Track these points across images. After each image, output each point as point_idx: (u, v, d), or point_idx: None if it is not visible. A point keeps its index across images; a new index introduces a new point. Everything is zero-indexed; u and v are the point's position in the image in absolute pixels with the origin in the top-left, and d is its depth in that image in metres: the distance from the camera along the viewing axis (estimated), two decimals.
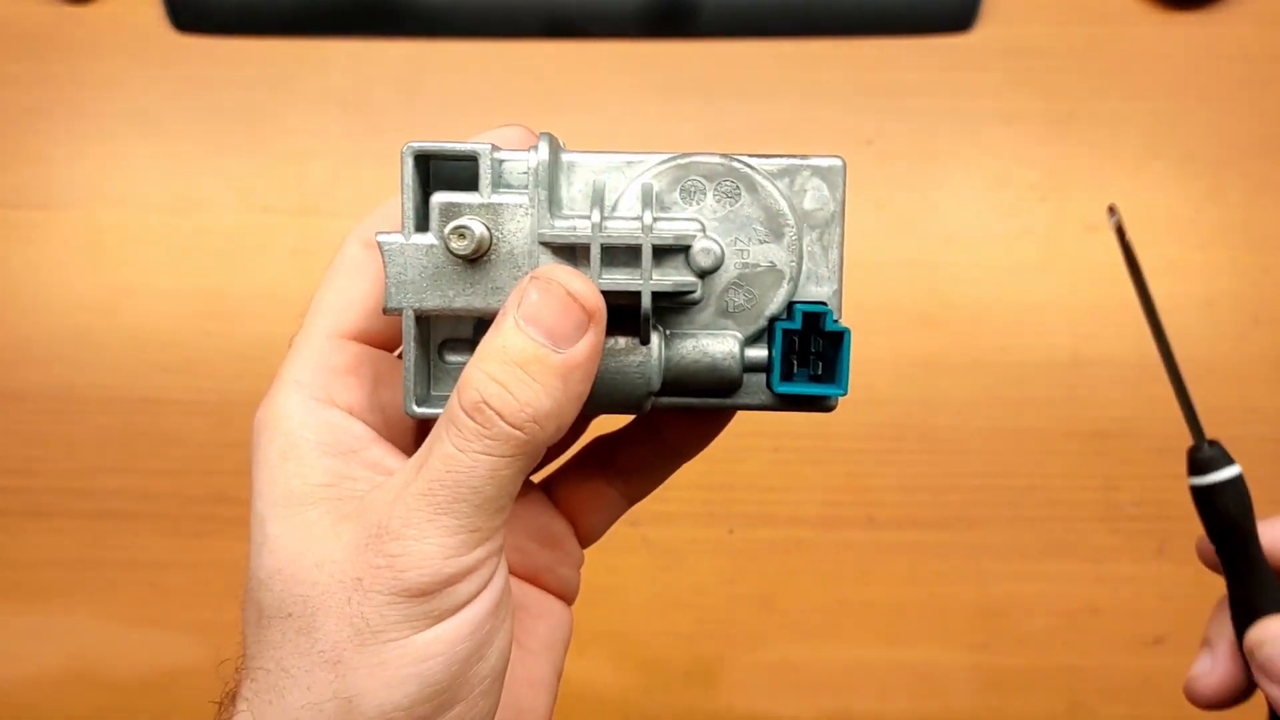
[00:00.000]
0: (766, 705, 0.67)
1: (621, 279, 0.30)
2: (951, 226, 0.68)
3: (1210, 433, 0.40)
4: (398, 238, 0.30)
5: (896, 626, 0.66)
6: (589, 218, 0.30)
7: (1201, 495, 0.40)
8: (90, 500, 0.67)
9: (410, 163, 0.30)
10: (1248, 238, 0.68)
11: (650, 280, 0.29)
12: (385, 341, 0.33)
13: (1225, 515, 0.39)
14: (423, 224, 0.30)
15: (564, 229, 0.30)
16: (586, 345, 0.28)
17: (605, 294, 0.29)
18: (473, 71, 0.70)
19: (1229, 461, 0.40)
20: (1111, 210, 0.39)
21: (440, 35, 0.69)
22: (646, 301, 0.29)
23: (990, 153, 0.69)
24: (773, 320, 0.31)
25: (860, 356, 0.32)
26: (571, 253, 0.30)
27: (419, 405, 0.31)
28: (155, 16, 0.69)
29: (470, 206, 0.30)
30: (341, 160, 0.68)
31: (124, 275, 0.68)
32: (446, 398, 0.31)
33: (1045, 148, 0.69)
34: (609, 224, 0.29)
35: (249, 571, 0.30)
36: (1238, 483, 0.39)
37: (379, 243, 0.30)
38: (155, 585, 0.67)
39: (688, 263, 0.30)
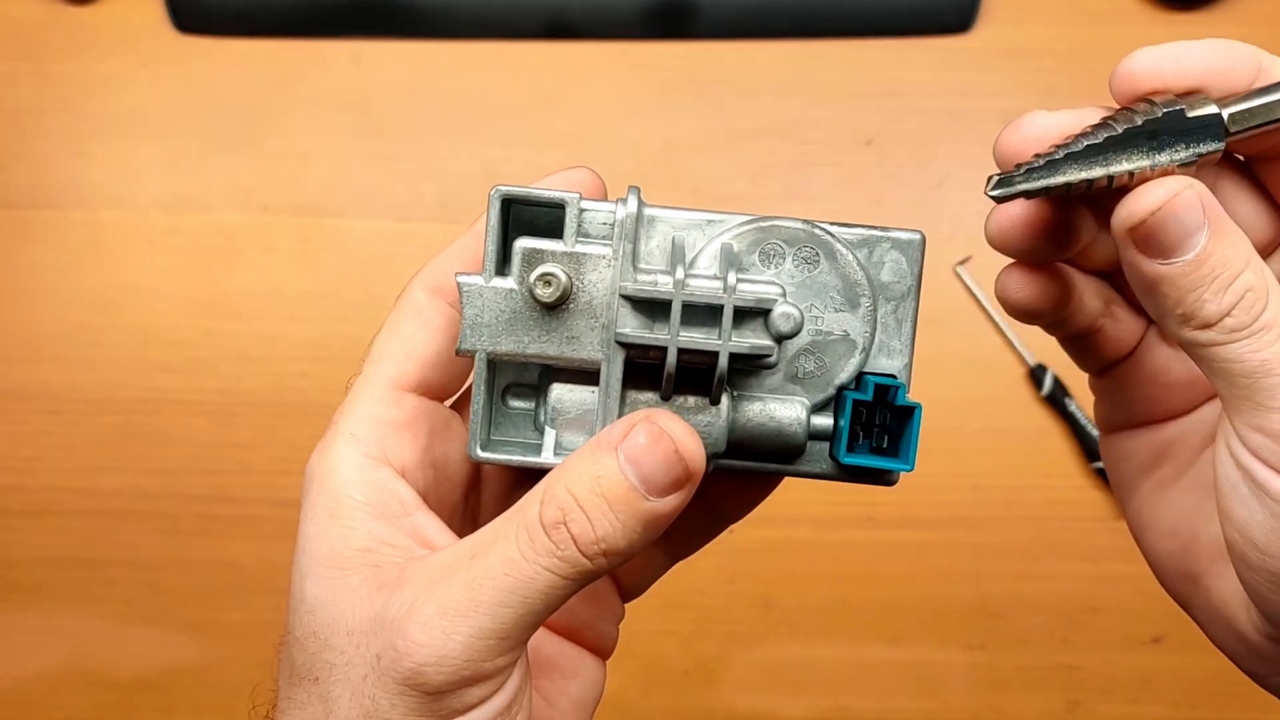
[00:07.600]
0: (766, 704, 0.67)
1: (699, 337, 0.29)
2: (951, 226, 0.68)
3: None
4: (477, 279, 0.29)
5: (896, 626, 0.66)
6: (670, 273, 0.29)
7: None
8: (89, 499, 0.67)
9: (498, 206, 0.29)
10: None
11: (729, 341, 0.29)
12: (442, 392, 0.32)
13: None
14: (502, 267, 0.30)
15: (645, 283, 0.29)
16: (675, 501, 0.28)
17: (681, 351, 0.29)
18: (473, 72, 0.70)
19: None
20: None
21: (440, 36, 0.69)
22: (723, 362, 0.29)
23: (990, 153, 0.69)
24: (841, 389, 0.31)
25: None
26: (650, 307, 0.29)
27: (483, 450, 0.31)
28: (156, 17, 0.69)
29: (553, 254, 0.29)
30: (341, 160, 0.68)
31: (124, 275, 0.68)
32: (509, 443, 0.31)
33: None
34: (690, 282, 0.29)
35: (287, 624, 0.30)
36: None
37: (458, 283, 0.29)
38: (154, 584, 0.66)
39: (766, 327, 0.29)
